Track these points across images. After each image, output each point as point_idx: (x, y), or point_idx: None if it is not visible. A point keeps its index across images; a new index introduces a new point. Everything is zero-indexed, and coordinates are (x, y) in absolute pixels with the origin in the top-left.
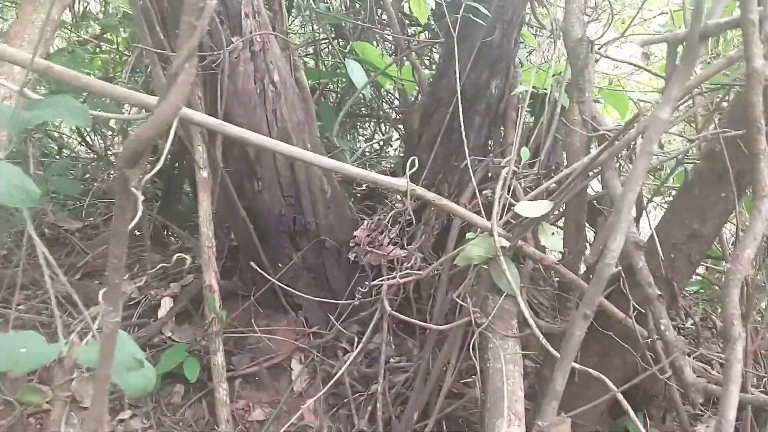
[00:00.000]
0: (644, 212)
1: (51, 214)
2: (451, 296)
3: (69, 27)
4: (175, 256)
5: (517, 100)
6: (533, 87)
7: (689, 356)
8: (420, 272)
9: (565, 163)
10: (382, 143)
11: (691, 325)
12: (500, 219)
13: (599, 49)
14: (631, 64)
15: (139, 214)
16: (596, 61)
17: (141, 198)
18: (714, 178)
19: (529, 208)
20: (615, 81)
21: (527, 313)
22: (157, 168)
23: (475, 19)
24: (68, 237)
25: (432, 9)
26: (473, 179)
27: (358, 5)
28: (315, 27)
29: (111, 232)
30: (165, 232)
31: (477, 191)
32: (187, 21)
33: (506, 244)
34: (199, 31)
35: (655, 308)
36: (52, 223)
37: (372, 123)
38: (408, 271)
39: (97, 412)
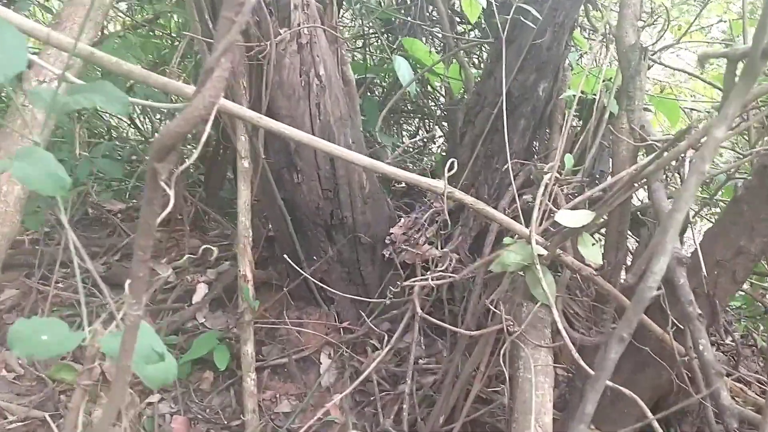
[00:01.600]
0: (689, 226)
1: (95, 195)
2: (484, 302)
3: (123, 11)
4: (201, 248)
5: (565, 104)
6: (582, 92)
7: (727, 376)
8: (454, 275)
9: (610, 172)
10: (425, 140)
11: (731, 342)
12: (539, 226)
13: (653, 55)
14: (685, 72)
15: (171, 202)
16: (649, 67)
17: (171, 192)
18: (765, 194)
19: (569, 218)
20: (667, 88)
21: (561, 324)
22: (193, 158)
23: (525, 21)
24: (110, 218)
25: (483, 8)
26: (513, 183)
27: (408, 1)
28: (364, 21)
29: (139, 224)
30: (206, 218)
31: (516, 196)
32: (226, 16)
33: (544, 252)
34: (237, 27)
35: (694, 327)
36: (96, 203)
37: (417, 120)
38: (442, 272)
39: (116, 402)
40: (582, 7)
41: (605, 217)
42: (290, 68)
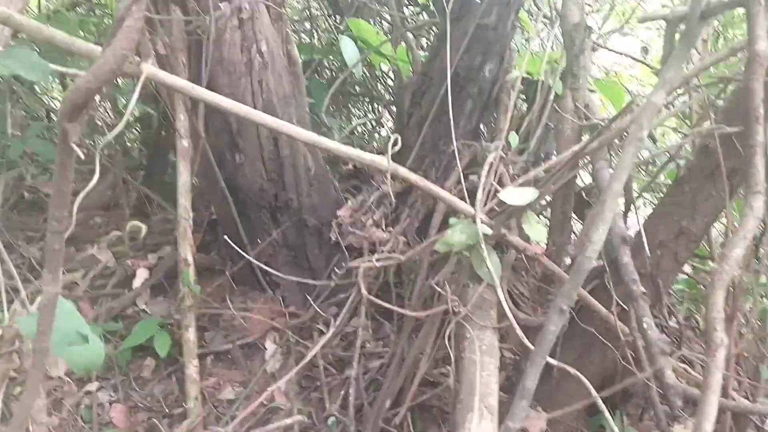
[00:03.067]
0: (633, 208)
1: (30, 178)
2: (430, 283)
3: None
4: (128, 225)
5: (511, 86)
6: (528, 74)
7: (670, 356)
8: (399, 256)
9: (555, 153)
10: (374, 123)
11: (674, 324)
12: (484, 205)
13: (598, 39)
14: (628, 56)
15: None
16: (594, 50)
17: (80, 155)
18: (706, 174)
19: (514, 196)
20: (612, 74)
21: (506, 305)
22: (117, 129)
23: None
24: (48, 201)
25: None
26: (458, 163)
27: None
28: (311, 1)
29: (52, 192)
30: (149, 202)
31: (462, 176)
32: None
33: (489, 231)
34: None
35: (638, 306)
36: (32, 187)
37: (365, 103)
38: (387, 254)
39: (33, 386)
40: None
41: (549, 197)
42: (231, 44)
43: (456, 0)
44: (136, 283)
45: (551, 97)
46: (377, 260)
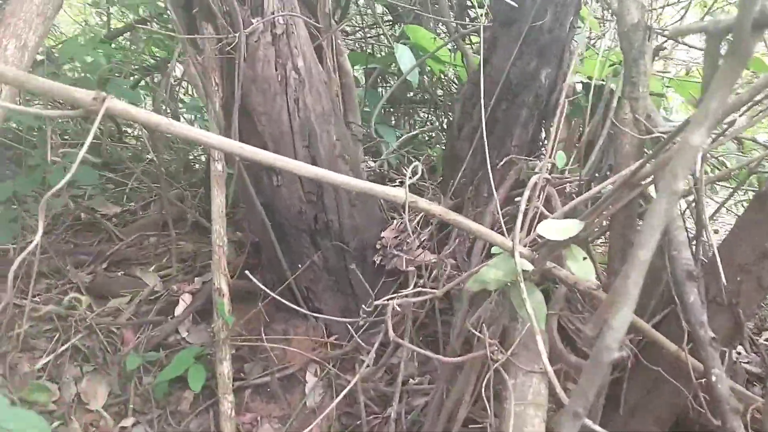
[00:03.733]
0: (705, 227)
1: (87, 198)
2: (468, 323)
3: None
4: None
5: (573, 91)
6: (589, 78)
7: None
8: (434, 290)
9: None
10: (431, 132)
11: (756, 353)
12: (527, 236)
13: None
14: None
15: None
16: (657, 53)
17: None
18: None
19: (553, 229)
20: (694, 71)
21: (544, 353)
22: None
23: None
24: (104, 222)
25: None
26: (492, 186)
27: None
28: (364, 9)
29: None
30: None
31: (497, 204)
32: None
33: (530, 267)
34: None
35: (707, 355)
36: (89, 208)
37: (429, 110)
38: (420, 289)
39: None
40: None
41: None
42: (264, 61)
43: (506, 2)
44: (179, 309)
45: (614, 103)
46: (412, 295)
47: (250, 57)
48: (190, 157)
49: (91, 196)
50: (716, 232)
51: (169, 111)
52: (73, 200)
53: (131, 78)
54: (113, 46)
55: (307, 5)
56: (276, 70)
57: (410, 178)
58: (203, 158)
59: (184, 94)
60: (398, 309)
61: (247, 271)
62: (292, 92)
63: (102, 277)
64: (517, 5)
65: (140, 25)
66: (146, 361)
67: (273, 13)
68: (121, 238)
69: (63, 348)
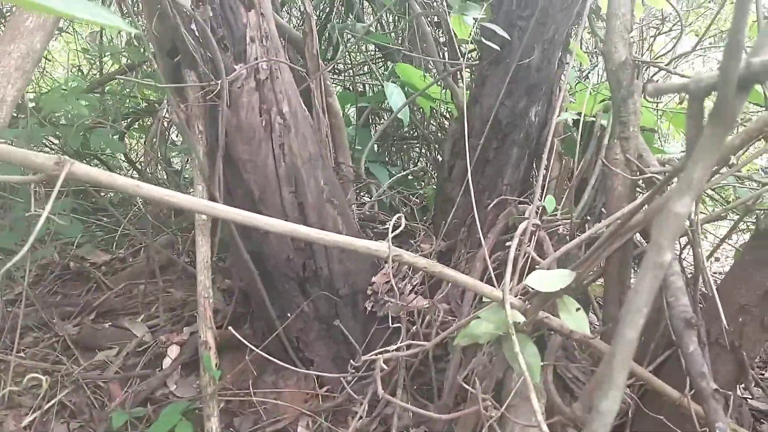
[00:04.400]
0: (702, 276)
1: (76, 247)
2: (458, 380)
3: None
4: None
5: (563, 128)
6: (579, 114)
7: None
8: (425, 343)
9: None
10: (422, 170)
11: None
12: (517, 284)
13: (668, 64)
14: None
15: None
16: (645, 89)
17: None
18: None
19: (543, 280)
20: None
21: (539, 412)
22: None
23: (497, 29)
24: (92, 271)
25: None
26: (480, 233)
27: (400, 24)
28: (352, 48)
29: None
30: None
31: (485, 252)
32: None
33: (521, 318)
34: None
35: (709, 408)
36: (79, 257)
37: (420, 146)
38: (411, 341)
39: None
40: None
41: (602, 263)
42: (248, 107)
43: (494, 40)
44: (166, 362)
45: (606, 141)
46: (398, 349)
47: (234, 104)
48: None
49: (80, 244)
50: (717, 259)
51: (159, 155)
52: (62, 248)
53: (124, 122)
54: (106, 89)
55: (294, 46)
56: (260, 116)
57: (392, 231)
58: None
59: (177, 136)
60: (387, 364)
61: (230, 328)
62: (278, 138)
63: (89, 329)
64: (500, 49)
65: (123, 76)
66: (133, 417)
67: (256, 59)
68: (110, 287)
69: (49, 405)
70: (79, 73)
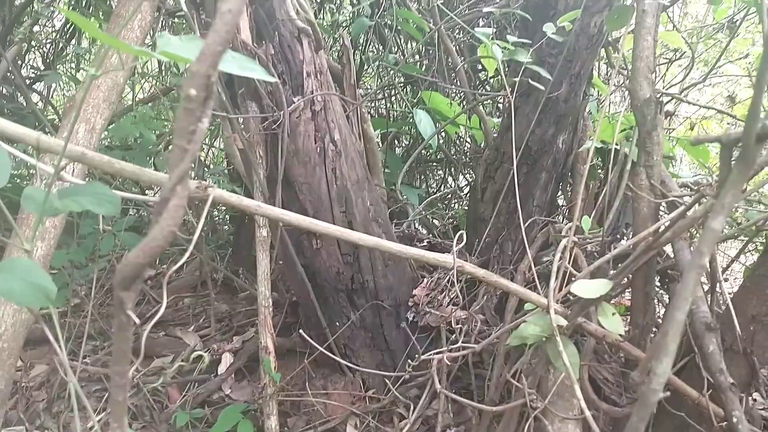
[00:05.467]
0: (719, 286)
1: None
2: (506, 375)
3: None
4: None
5: (586, 155)
6: (602, 142)
7: None
8: (473, 345)
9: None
10: (450, 194)
11: None
12: (559, 292)
13: (680, 92)
14: (713, 108)
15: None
16: (671, 113)
17: (136, 320)
18: None
19: (585, 288)
20: (699, 124)
21: (582, 400)
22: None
23: (541, 71)
24: (141, 285)
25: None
26: (527, 248)
27: (428, 53)
28: (384, 77)
29: (113, 350)
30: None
31: (527, 260)
32: (179, 145)
33: (564, 322)
34: (190, 156)
35: (726, 398)
36: None
37: (442, 170)
38: (462, 345)
39: None
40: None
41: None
42: (305, 135)
43: (525, 73)
44: (221, 368)
45: (628, 166)
46: (451, 350)
47: (292, 132)
48: (216, 219)
49: None
50: (726, 279)
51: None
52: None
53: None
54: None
55: (333, 77)
56: (315, 143)
57: (457, 244)
58: (226, 218)
59: (210, 162)
60: (447, 362)
61: (301, 331)
62: (330, 162)
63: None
64: (543, 88)
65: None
66: (193, 418)
67: (312, 92)
68: (158, 300)
69: None
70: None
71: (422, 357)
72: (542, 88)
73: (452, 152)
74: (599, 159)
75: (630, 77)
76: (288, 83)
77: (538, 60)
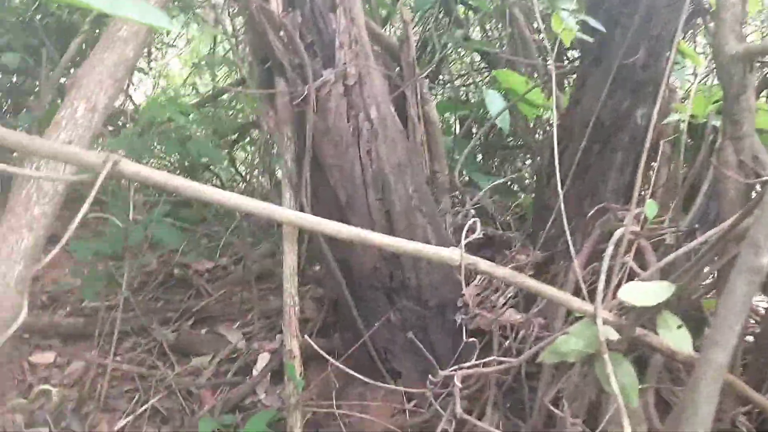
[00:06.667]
0: None
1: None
2: (548, 398)
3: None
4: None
5: (673, 130)
6: (692, 116)
7: None
8: (511, 360)
9: None
10: (520, 178)
11: None
12: (612, 299)
13: None
14: None
15: None
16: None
17: None
18: None
19: (638, 293)
20: None
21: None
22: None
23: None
24: (195, 278)
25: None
26: (586, 241)
27: (501, 30)
28: (455, 57)
29: None
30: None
31: (575, 263)
32: None
33: (615, 336)
34: None
35: None
36: (183, 264)
37: (524, 156)
38: (499, 358)
39: None
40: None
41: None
42: (336, 113)
43: (598, 38)
44: (256, 369)
45: (718, 143)
46: (485, 365)
47: (322, 109)
48: None
49: (185, 252)
50: None
51: (262, 166)
52: (169, 257)
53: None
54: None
55: (391, 54)
56: (348, 121)
57: (465, 237)
58: None
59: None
60: (474, 380)
61: (306, 337)
62: (365, 143)
63: (186, 335)
64: (598, 44)
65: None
66: (221, 425)
67: (345, 64)
68: (211, 294)
69: (142, 409)
70: (194, 90)
71: (442, 374)
72: (588, 38)
73: (535, 138)
74: (690, 137)
75: (714, 31)
76: (318, 54)
77: (610, 21)
